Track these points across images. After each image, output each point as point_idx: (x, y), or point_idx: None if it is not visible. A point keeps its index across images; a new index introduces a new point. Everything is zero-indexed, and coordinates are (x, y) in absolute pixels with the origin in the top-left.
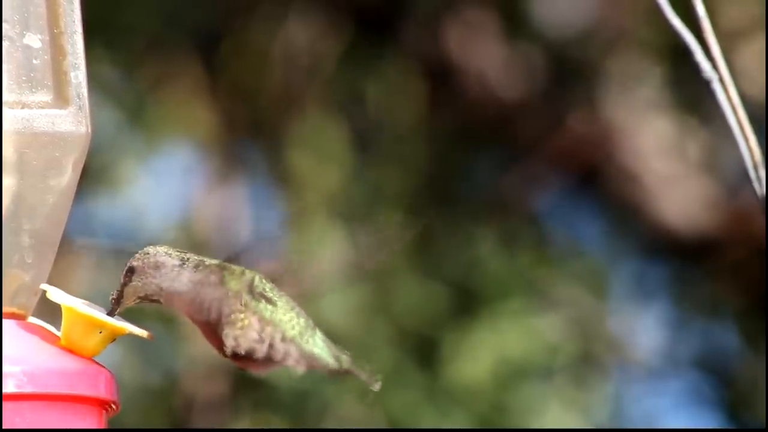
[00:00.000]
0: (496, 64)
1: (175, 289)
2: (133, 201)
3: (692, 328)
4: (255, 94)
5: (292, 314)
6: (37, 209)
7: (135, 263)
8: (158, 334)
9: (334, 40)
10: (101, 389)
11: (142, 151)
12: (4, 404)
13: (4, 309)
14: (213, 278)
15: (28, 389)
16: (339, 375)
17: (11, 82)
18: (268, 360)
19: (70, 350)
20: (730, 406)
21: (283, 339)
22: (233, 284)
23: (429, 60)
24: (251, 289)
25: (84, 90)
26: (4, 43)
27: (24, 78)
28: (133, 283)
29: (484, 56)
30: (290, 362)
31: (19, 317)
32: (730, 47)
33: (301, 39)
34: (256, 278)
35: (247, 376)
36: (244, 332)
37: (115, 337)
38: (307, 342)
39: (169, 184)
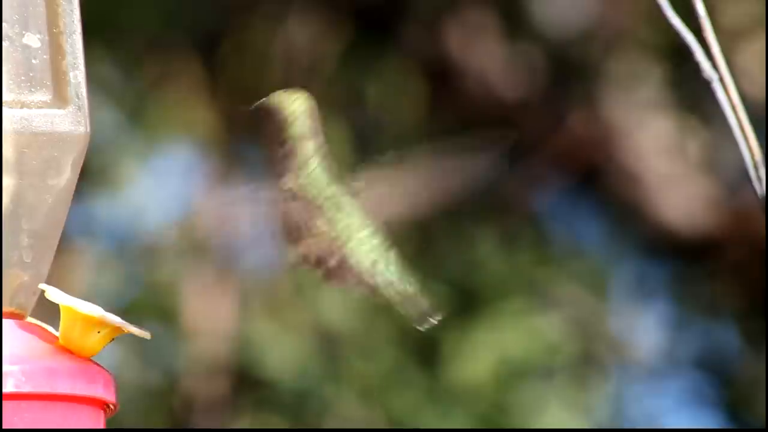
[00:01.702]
0: (496, 64)
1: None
2: (133, 201)
3: (692, 328)
4: (255, 94)
5: (370, 230)
6: (36, 209)
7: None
8: (158, 334)
9: (334, 40)
10: (100, 389)
11: (142, 151)
12: (3, 404)
13: (3, 309)
14: (292, 190)
15: (26, 389)
16: (394, 306)
17: (10, 82)
18: (339, 274)
19: (69, 350)
20: (730, 406)
21: (351, 256)
22: (316, 192)
23: (429, 60)
24: (334, 200)
25: (83, 90)
26: (3, 43)
27: (23, 78)
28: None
29: (484, 56)
30: (359, 280)
31: (17, 317)
32: (730, 47)
33: (301, 39)
34: (339, 189)
35: (247, 376)
36: (320, 243)
37: (113, 336)
38: (380, 263)
39: (169, 184)
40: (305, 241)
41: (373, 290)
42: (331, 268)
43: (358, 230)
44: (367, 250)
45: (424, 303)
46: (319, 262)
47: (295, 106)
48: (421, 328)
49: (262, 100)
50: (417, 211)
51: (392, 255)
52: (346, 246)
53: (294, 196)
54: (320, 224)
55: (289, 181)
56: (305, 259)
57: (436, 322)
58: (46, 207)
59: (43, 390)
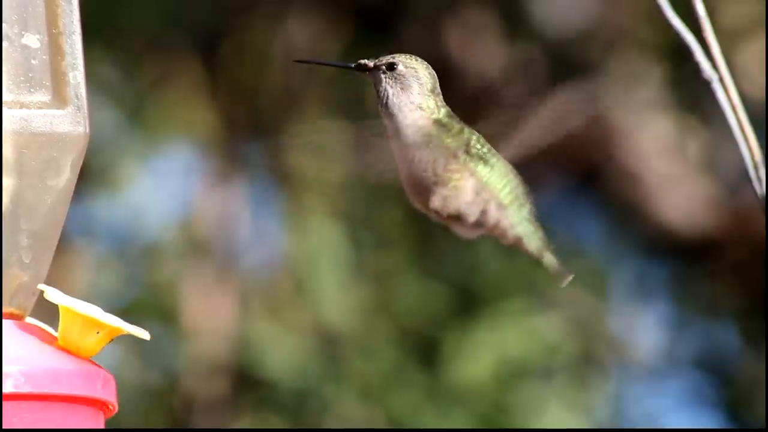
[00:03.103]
0: (496, 64)
1: (402, 122)
2: (133, 201)
3: (692, 328)
4: (255, 94)
5: (508, 180)
6: (36, 209)
7: (399, 61)
8: (158, 334)
9: (334, 40)
10: (98, 389)
11: (142, 151)
12: (3, 404)
13: (3, 309)
14: (426, 135)
15: (25, 389)
16: (532, 258)
17: (10, 82)
18: (476, 225)
19: (68, 350)
20: (730, 406)
21: (499, 206)
22: (450, 141)
23: (429, 60)
24: (469, 149)
25: (82, 90)
26: (3, 43)
27: (22, 78)
28: (386, 75)
29: (484, 56)
30: (496, 232)
31: (17, 317)
32: (730, 47)
33: (301, 39)
34: (475, 138)
35: (247, 376)
36: (457, 193)
37: (113, 337)
38: (518, 215)
39: (169, 184)
40: (442, 189)
41: (514, 242)
42: (472, 219)
43: (501, 179)
44: (511, 200)
45: (556, 263)
46: (457, 213)
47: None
48: (560, 284)
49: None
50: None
51: (530, 206)
52: (492, 196)
53: (429, 140)
54: (460, 171)
55: (423, 124)
56: (441, 208)
57: (571, 277)
58: (45, 207)
59: (42, 390)
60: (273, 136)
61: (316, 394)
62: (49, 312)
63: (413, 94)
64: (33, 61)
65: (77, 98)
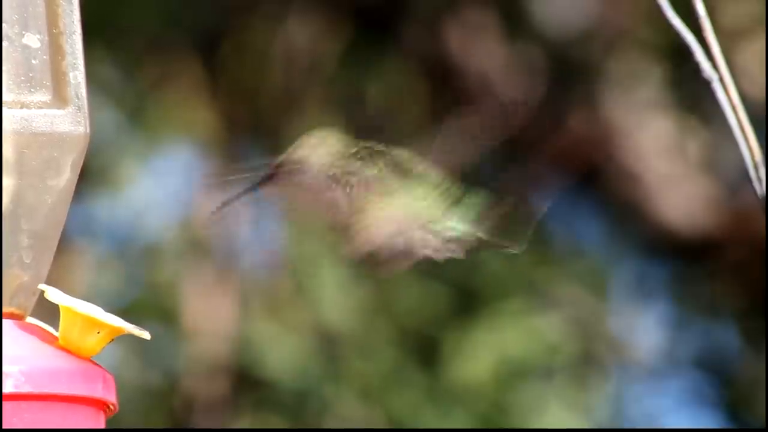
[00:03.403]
0: (496, 64)
1: (313, 178)
2: (133, 201)
3: (692, 328)
4: (255, 94)
5: (432, 196)
6: (36, 209)
7: (296, 148)
8: (158, 334)
9: (334, 40)
10: (99, 389)
11: (142, 151)
12: (3, 404)
13: (3, 309)
14: (338, 169)
15: (26, 389)
16: (479, 249)
17: (10, 82)
18: (406, 252)
19: (69, 350)
20: (730, 406)
21: (421, 227)
22: (371, 167)
23: (429, 60)
24: (390, 169)
25: (83, 90)
26: (3, 43)
27: (23, 78)
28: (292, 160)
29: (484, 56)
30: (428, 252)
31: (17, 317)
32: (730, 47)
33: (301, 39)
34: (400, 156)
35: (247, 376)
36: (378, 223)
37: (113, 337)
38: (445, 225)
39: (169, 184)
40: (360, 224)
41: (446, 251)
42: (401, 249)
43: (423, 198)
44: (439, 215)
45: (503, 238)
46: (384, 244)
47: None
48: (517, 251)
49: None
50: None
51: (462, 202)
52: (415, 219)
53: (337, 176)
54: (376, 201)
55: (332, 164)
56: (363, 245)
57: (526, 242)
58: (46, 207)
59: (42, 390)
60: (273, 136)
61: (316, 394)
62: (49, 312)
63: (313, 167)
64: (33, 61)
65: (78, 98)
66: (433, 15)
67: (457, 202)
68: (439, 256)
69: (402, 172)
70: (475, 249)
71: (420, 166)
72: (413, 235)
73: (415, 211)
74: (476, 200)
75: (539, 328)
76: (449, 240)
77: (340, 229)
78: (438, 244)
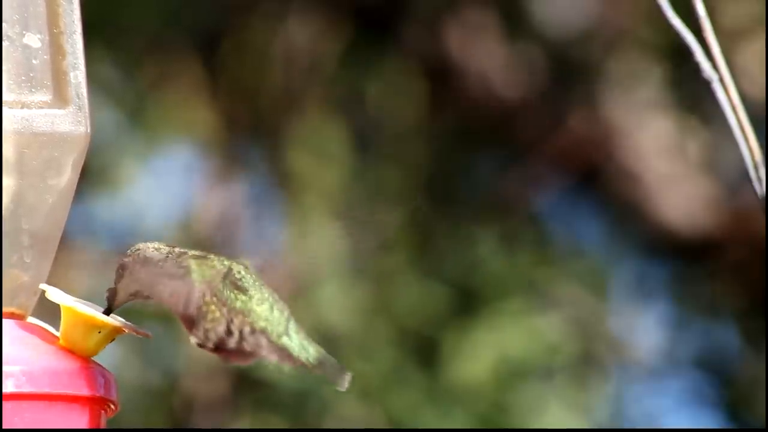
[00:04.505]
0: (497, 64)
1: (155, 284)
2: (133, 201)
3: (692, 328)
4: (255, 94)
5: (266, 305)
6: (37, 209)
7: (125, 260)
8: (158, 334)
9: (334, 40)
10: (100, 389)
11: (142, 151)
12: (4, 404)
13: (4, 309)
14: (183, 270)
15: (27, 389)
16: (308, 371)
17: (11, 82)
18: (240, 352)
19: (69, 350)
20: (730, 406)
21: (253, 331)
22: (206, 274)
23: (429, 60)
24: (225, 280)
25: (83, 90)
26: (3, 43)
27: (23, 78)
28: (124, 280)
29: (484, 56)
30: (262, 354)
31: (18, 317)
32: (730, 47)
33: (301, 39)
34: (234, 268)
35: (247, 376)
36: (214, 324)
37: (114, 337)
38: (280, 335)
39: (169, 184)
40: (202, 324)
41: (280, 359)
42: (234, 348)
43: (257, 306)
44: (270, 323)
45: (334, 368)
46: (220, 343)
47: None
48: (340, 389)
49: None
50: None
51: (294, 324)
52: (249, 323)
53: (182, 276)
54: (216, 304)
55: (177, 264)
56: (205, 341)
57: (348, 381)
58: (46, 207)
59: (43, 390)
60: (273, 136)
61: (316, 394)
62: (50, 312)
63: (152, 264)
64: (34, 61)
65: (78, 98)
66: (433, 15)
67: (290, 320)
68: (271, 360)
69: (239, 283)
70: (305, 370)
71: (258, 282)
72: (245, 336)
73: (249, 316)
74: (302, 330)
75: (539, 328)
76: (281, 349)
77: (187, 325)
78: (270, 349)
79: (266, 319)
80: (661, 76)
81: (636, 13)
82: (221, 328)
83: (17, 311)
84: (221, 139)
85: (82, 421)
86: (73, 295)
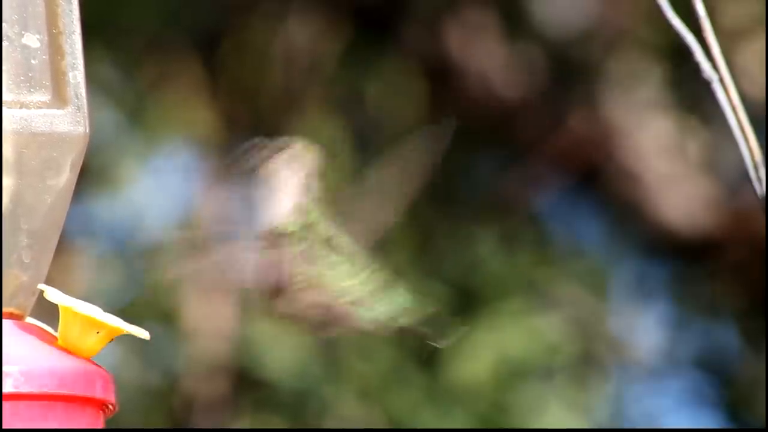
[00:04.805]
0: (496, 64)
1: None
2: (133, 201)
3: (692, 328)
4: (255, 94)
5: (357, 273)
6: (35, 209)
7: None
8: (158, 334)
9: (334, 40)
10: (98, 389)
11: (142, 151)
12: (3, 404)
13: (2, 309)
14: (281, 238)
15: (25, 389)
16: (401, 333)
17: (10, 82)
18: (330, 322)
19: (68, 350)
20: (730, 406)
21: (346, 301)
22: (302, 242)
23: (429, 60)
24: (318, 246)
25: (82, 90)
26: (3, 43)
27: (22, 78)
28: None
29: (484, 56)
30: (353, 323)
31: (16, 317)
32: (730, 47)
33: (301, 39)
34: (328, 238)
35: (246, 376)
36: (305, 294)
37: (113, 337)
38: (371, 303)
39: (169, 184)
40: (297, 292)
41: (371, 326)
42: (329, 317)
43: (355, 273)
44: (366, 291)
45: (430, 327)
46: (314, 312)
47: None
48: (440, 345)
49: (255, 162)
50: (417, 213)
51: (392, 286)
52: (344, 292)
53: (282, 242)
54: (314, 272)
55: (277, 228)
56: (296, 311)
57: (454, 338)
58: (45, 207)
59: (42, 390)
60: (273, 136)
61: (316, 394)
62: (49, 312)
63: (277, 198)
64: (33, 61)
65: (77, 98)
66: (433, 15)
67: (384, 288)
68: (362, 328)
69: (338, 250)
70: (399, 332)
71: (353, 248)
72: (339, 309)
73: (344, 288)
74: (402, 293)
75: (539, 328)
76: (372, 320)
77: (269, 286)
78: (362, 321)
79: (357, 288)
80: (661, 76)
81: (636, 13)
82: (312, 299)
83: (16, 311)
84: (221, 139)
85: (80, 421)
86: (72, 295)
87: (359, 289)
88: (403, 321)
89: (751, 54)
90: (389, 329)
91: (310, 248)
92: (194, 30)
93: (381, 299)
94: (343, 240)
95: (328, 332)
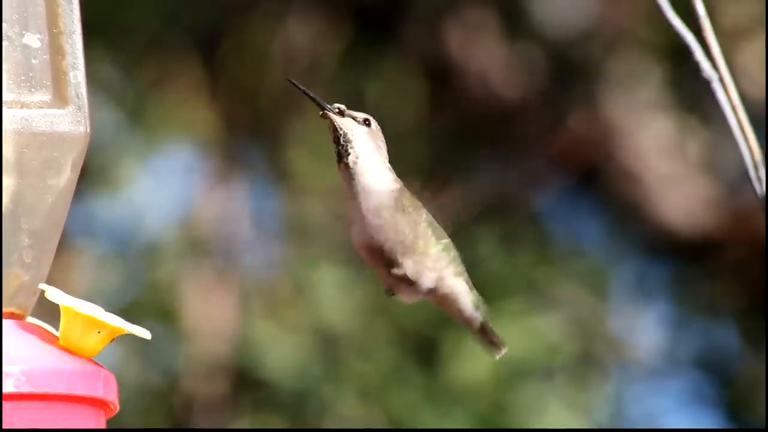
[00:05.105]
0: (497, 64)
1: (373, 184)
2: (133, 201)
3: (692, 328)
4: (255, 94)
5: (454, 252)
6: (36, 209)
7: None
8: (158, 334)
9: (334, 40)
10: (99, 389)
11: (142, 151)
12: (3, 404)
13: (3, 309)
14: (400, 196)
15: (26, 389)
16: (471, 328)
17: (10, 82)
18: (430, 291)
19: (69, 350)
20: (730, 406)
21: (453, 274)
22: (414, 209)
23: (429, 60)
24: (426, 218)
25: (83, 90)
26: (3, 43)
27: (23, 78)
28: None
29: (484, 56)
30: (442, 299)
31: (18, 317)
32: (730, 47)
33: (301, 39)
34: (424, 212)
35: (246, 376)
36: (423, 259)
37: (114, 336)
38: (468, 282)
39: (169, 184)
40: (412, 256)
41: (456, 311)
42: (429, 285)
43: (450, 250)
44: (459, 270)
45: (494, 332)
46: (419, 277)
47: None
48: (495, 356)
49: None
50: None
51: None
52: (446, 264)
53: (401, 206)
54: (424, 239)
55: (395, 189)
56: (411, 274)
57: (505, 350)
58: (46, 207)
59: (43, 390)
60: (273, 136)
61: (316, 394)
62: (50, 312)
63: (383, 156)
64: (33, 61)
65: (78, 98)
66: (433, 15)
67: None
68: (446, 308)
69: (437, 232)
70: (467, 323)
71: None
72: (444, 278)
73: (449, 259)
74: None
75: (539, 328)
76: (466, 298)
77: (377, 249)
78: (456, 297)
79: (459, 266)
80: (661, 76)
81: (636, 13)
82: (427, 265)
83: (17, 311)
84: (221, 139)
85: (81, 420)
86: (72, 295)
87: (461, 267)
88: (483, 312)
89: (751, 54)
90: (466, 318)
91: (416, 217)
92: (194, 30)
93: (468, 281)
94: (436, 224)
95: (418, 297)
